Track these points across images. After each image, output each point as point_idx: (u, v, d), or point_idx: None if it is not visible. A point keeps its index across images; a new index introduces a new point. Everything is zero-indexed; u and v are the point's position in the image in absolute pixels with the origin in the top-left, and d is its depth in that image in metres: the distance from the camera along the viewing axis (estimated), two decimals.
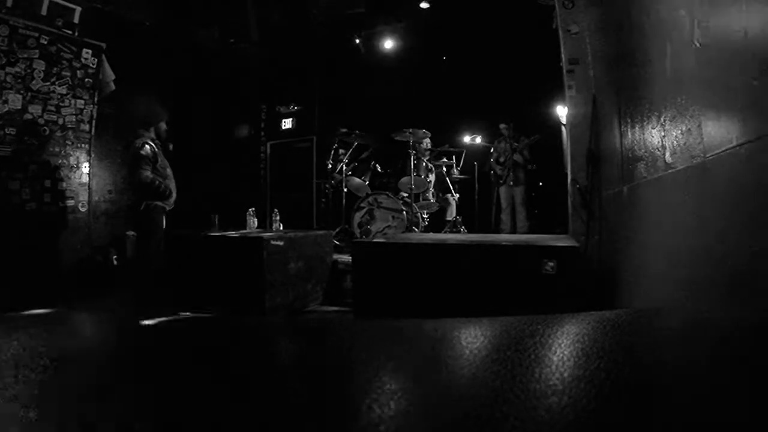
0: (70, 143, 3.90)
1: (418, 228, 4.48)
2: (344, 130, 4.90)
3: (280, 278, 3.20)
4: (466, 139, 5.38)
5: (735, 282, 1.07)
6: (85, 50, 3.97)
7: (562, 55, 2.91)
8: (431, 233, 4.57)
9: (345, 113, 5.68)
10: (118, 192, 4.66)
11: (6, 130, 3.51)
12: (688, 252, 1.36)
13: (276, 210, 4.12)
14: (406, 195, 4.63)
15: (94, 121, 4.04)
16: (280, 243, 3.21)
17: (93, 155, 4.08)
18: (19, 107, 3.59)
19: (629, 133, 2.00)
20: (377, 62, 6.03)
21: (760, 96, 0.96)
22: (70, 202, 3.90)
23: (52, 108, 3.79)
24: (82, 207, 3.98)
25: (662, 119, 1.62)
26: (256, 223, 4.10)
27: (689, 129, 1.38)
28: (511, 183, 5.18)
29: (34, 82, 3.66)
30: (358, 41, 6.02)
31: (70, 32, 3.89)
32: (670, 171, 1.54)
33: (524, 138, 5.14)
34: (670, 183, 1.54)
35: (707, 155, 1.25)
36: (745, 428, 0.30)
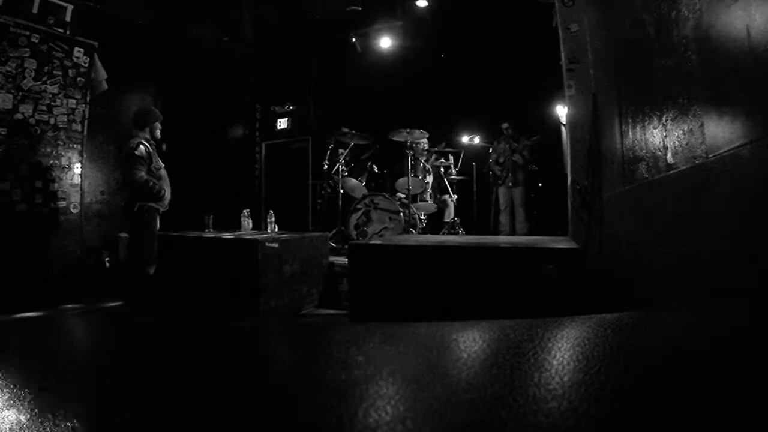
0: (61, 143, 3.86)
1: (415, 230, 4.45)
2: (346, 129, 4.86)
3: (275, 281, 3.16)
4: (464, 139, 5.37)
5: (738, 283, 1.05)
6: (77, 49, 3.93)
7: (562, 54, 2.89)
8: (429, 235, 4.55)
9: (341, 113, 5.65)
10: (110, 193, 4.62)
11: None
12: (690, 254, 1.34)
13: (271, 211, 4.10)
14: (403, 196, 4.61)
15: (86, 121, 3.99)
16: (275, 245, 3.17)
17: (85, 156, 4.04)
18: (10, 107, 3.55)
19: (630, 134, 1.98)
20: (374, 61, 6.01)
21: (763, 95, 0.94)
22: (62, 204, 3.85)
23: (44, 108, 3.74)
24: (74, 208, 3.93)
25: (664, 119, 1.59)
26: (250, 224, 4.08)
27: (691, 129, 1.36)
28: (510, 184, 5.16)
29: (25, 81, 3.62)
30: (354, 40, 5.99)
31: (61, 31, 3.85)
32: (671, 172, 1.52)
33: (524, 139, 5.12)
34: (671, 184, 1.52)
35: (709, 156, 1.23)
36: (747, 430, 0.30)
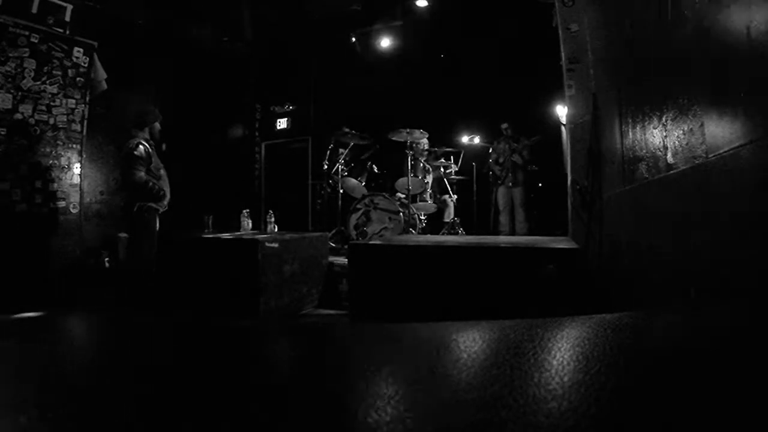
0: (61, 143, 3.85)
1: (415, 230, 4.45)
2: (347, 129, 4.86)
3: (275, 281, 3.16)
4: (464, 139, 5.36)
5: (738, 283, 1.05)
6: (76, 49, 3.92)
7: (562, 54, 2.89)
8: (429, 235, 4.55)
9: (341, 113, 5.65)
10: (110, 193, 4.61)
11: None
12: (690, 254, 1.34)
13: (271, 211, 4.09)
14: (403, 196, 4.61)
15: (85, 121, 3.99)
16: (275, 245, 3.17)
17: (84, 156, 4.03)
18: (10, 107, 3.54)
19: (630, 133, 1.98)
20: (374, 61, 6.00)
21: (763, 95, 0.94)
22: (62, 204, 3.85)
23: (43, 108, 3.74)
24: (73, 208, 3.92)
25: (664, 119, 1.59)
26: (250, 224, 4.07)
27: (691, 129, 1.36)
28: (510, 184, 5.15)
29: (24, 81, 3.61)
30: (354, 40, 5.99)
31: (61, 31, 3.84)
32: (672, 172, 1.52)
33: (524, 139, 5.12)
34: (671, 184, 1.52)
35: (710, 156, 1.23)
36: (747, 430, 0.30)
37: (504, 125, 5.22)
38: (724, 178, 1.14)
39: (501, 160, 5.20)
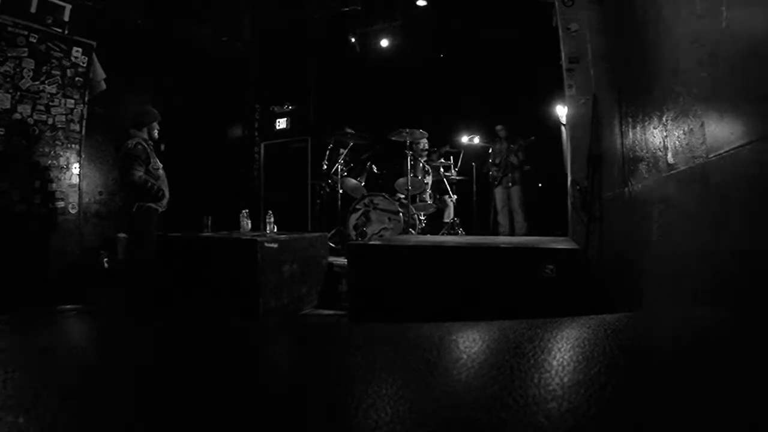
0: (60, 143, 3.84)
1: (415, 230, 4.45)
2: (349, 129, 4.85)
3: (275, 281, 3.16)
4: (464, 139, 5.35)
5: (738, 284, 1.05)
6: (75, 49, 3.91)
7: (562, 54, 2.89)
8: (428, 235, 4.54)
9: (341, 113, 5.65)
10: (108, 193, 4.61)
11: None
12: (690, 254, 1.34)
13: (270, 211, 4.08)
14: (402, 196, 4.60)
15: (84, 121, 3.98)
16: (274, 245, 3.17)
17: (83, 156, 4.02)
18: (8, 107, 3.53)
19: (630, 133, 1.98)
20: (373, 61, 6.00)
21: (763, 95, 0.94)
22: (60, 204, 3.84)
23: (42, 108, 3.73)
24: (72, 208, 3.92)
25: (664, 119, 1.59)
26: (249, 224, 4.06)
27: (692, 129, 1.36)
28: (510, 184, 5.16)
29: (23, 81, 3.60)
30: (353, 40, 5.99)
31: (59, 30, 3.84)
32: (672, 172, 1.52)
33: (520, 139, 5.13)
34: (672, 184, 1.52)
35: (710, 156, 1.23)
36: (747, 429, 0.30)
37: (498, 127, 5.24)
38: (724, 178, 1.14)
39: (497, 161, 5.21)
